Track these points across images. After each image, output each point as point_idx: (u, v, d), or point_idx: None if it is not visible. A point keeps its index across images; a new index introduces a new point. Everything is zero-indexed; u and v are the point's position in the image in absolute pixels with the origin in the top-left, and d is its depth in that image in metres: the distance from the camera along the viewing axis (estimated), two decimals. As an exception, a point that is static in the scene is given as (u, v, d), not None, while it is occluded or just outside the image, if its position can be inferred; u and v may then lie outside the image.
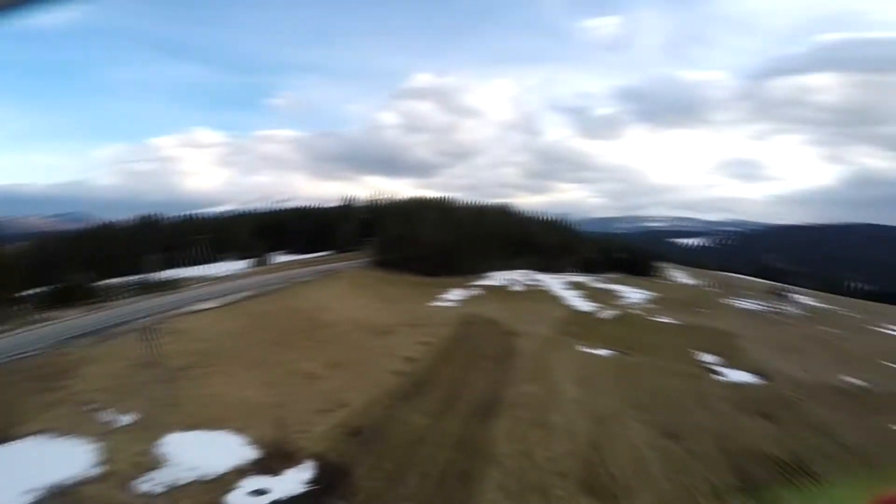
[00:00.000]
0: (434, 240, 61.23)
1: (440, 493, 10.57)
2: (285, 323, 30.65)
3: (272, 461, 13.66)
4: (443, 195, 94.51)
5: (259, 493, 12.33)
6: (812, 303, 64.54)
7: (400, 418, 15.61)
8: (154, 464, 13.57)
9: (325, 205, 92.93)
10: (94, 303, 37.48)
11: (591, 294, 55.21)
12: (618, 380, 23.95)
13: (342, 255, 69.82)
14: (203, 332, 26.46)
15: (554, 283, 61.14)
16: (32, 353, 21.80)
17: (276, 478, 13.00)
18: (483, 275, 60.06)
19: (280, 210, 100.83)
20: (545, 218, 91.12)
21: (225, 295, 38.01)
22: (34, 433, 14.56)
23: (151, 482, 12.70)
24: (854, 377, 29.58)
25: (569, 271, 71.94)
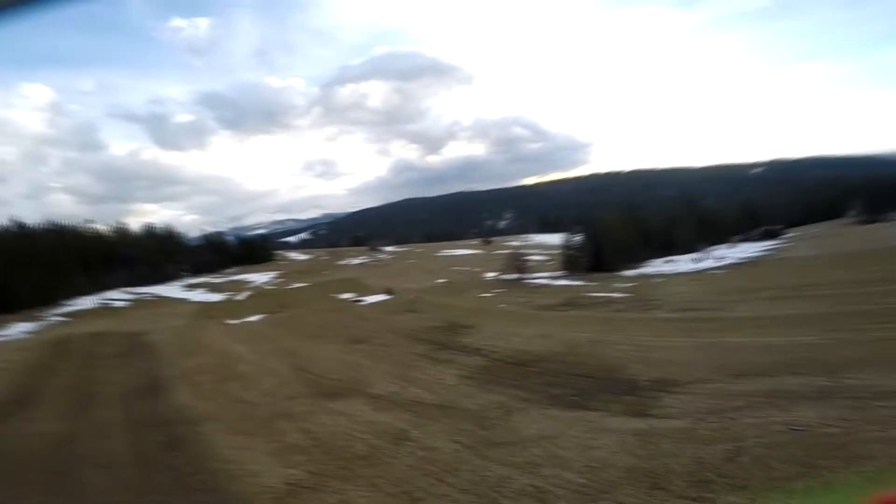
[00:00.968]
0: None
1: (159, 459, 7.53)
2: None
3: None
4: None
5: None
6: (396, 250, 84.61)
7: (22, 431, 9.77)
8: None
9: None
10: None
11: (217, 287, 50.82)
12: (282, 327, 23.50)
13: None
14: None
15: (168, 289, 51.91)
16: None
17: None
18: (64, 302, 43.32)
19: None
20: (135, 231, 74.39)
21: None
22: None
23: None
24: (440, 280, 41.78)
25: (181, 277, 63.07)
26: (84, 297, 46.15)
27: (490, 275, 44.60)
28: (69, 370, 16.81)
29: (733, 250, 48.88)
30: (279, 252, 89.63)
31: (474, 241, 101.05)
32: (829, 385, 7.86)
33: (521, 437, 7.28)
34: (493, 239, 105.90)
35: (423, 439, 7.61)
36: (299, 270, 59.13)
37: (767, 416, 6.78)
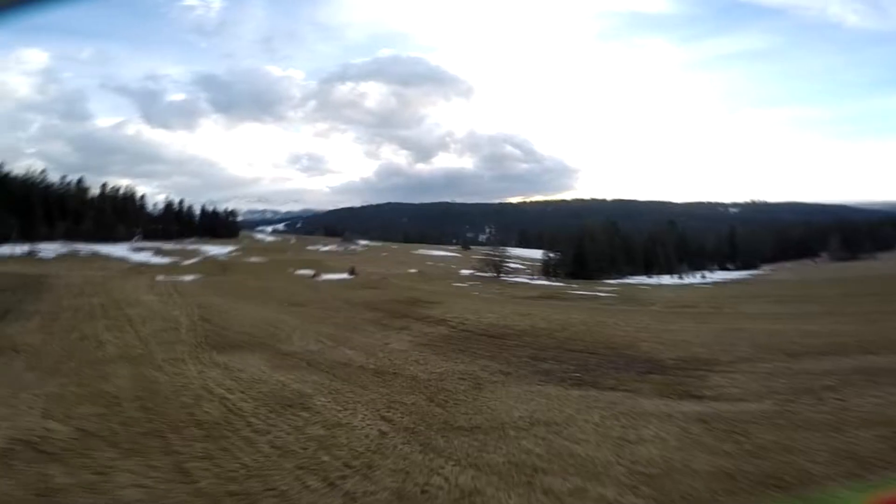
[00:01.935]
0: None
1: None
2: None
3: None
4: None
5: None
6: (370, 244, 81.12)
7: None
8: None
9: None
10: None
11: (166, 252, 46.27)
12: (214, 287, 20.08)
13: None
14: None
15: (112, 248, 47.04)
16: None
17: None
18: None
19: None
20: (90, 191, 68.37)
21: None
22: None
23: None
24: (411, 270, 38.84)
25: (133, 240, 57.92)
26: (12, 244, 41.11)
27: (465, 271, 41.83)
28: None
29: (715, 274, 47.62)
30: (247, 232, 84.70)
31: (453, 247, 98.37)
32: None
33: (498, 421, 4.33)
34: (473, 247, 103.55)
35: (329, 410, 4.57)
36: (262, 248, 55.16)
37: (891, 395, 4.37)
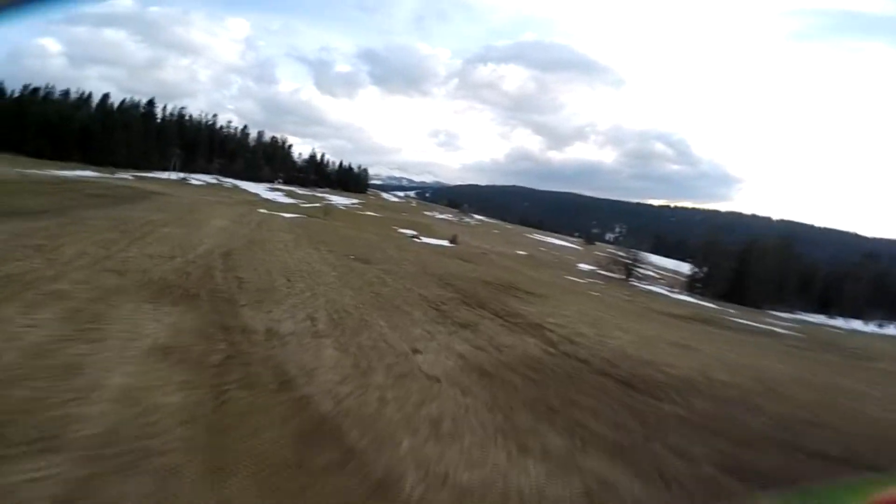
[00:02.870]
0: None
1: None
2: None
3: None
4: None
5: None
6: (485, 220, 77.98)
7: None
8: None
9: None
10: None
11: (295, 195, 48.50)
12: (300, 228, 18.15)
13: None
14: None
15: (252, 185, 51.10)
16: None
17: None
18: (154, 171, 44.39)
19: None
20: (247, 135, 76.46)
21: None
22: None
23: None
24: (520, 251, 34.24)
25: (274, 182, 63.16)
26: (172, 172, 46.85)
27: (585, 266, 35.83)
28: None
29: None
30: (375, 191, 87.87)
31: (573, 238, 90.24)
32: None
33: None
34: (597, 243, 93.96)
35: None
36: (382, 206, 55.38)
37: None
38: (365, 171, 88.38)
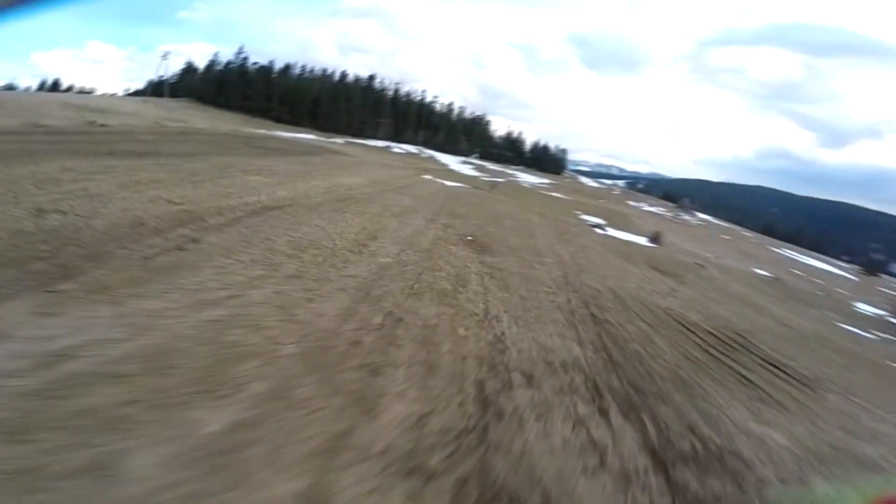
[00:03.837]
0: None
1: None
2: None
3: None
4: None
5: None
6: (710, 220, 63.55)
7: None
8: None
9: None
10: None
11: (484, 169, 46.53)
12: (455, 200, 15.05)
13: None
14: None
15: (447, 157, 51.43)
16: None
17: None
18: (364, 135, 48.88)
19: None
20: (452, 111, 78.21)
21: None
22: None
23: None
24: (760, 270, 24.41)
25: (470, 155, 63.24)
26: (376, 139, 50.49)
27: (867, 308, 23.48)
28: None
29: None
30: (572, 173, 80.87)
31: (843, 263, 65.41)
32: None
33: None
34: (882, 275, 65.89)
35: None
36: (575, 189, 49.03)
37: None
38: (563, 151, 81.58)
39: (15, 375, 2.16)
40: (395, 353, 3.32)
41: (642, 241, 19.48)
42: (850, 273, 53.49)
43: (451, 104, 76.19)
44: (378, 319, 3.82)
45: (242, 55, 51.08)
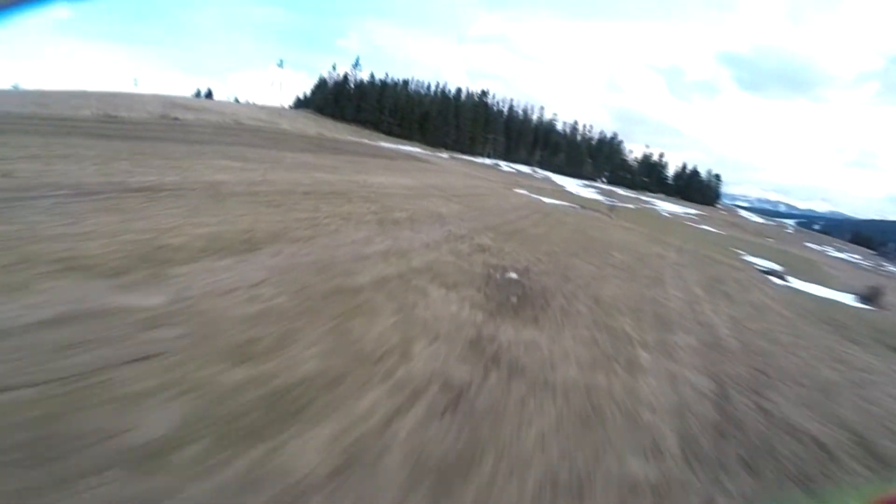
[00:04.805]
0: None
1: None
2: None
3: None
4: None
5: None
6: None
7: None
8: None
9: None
10: None
11: (612, 195, 39.94)
12: (544, 225, 10.46)
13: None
14: None
15: (565, 180, 45.98)
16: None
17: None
18: (478, 152, 46.41)
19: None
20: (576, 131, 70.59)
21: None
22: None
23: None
24: None
25: (597, 179, 56.06)
26: (485, 157, 47.00)
27: None
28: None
29: None
30: (729, 205, 67.75)
31: None
32: None
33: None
34: None
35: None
36: (731, 223, 39.36)
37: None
38: (717, 177, 68.50)
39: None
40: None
41: (848, 298, 12.31)
42: None
43: (574, 122, 69.65)
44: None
45: (358, 70, 51.62)
